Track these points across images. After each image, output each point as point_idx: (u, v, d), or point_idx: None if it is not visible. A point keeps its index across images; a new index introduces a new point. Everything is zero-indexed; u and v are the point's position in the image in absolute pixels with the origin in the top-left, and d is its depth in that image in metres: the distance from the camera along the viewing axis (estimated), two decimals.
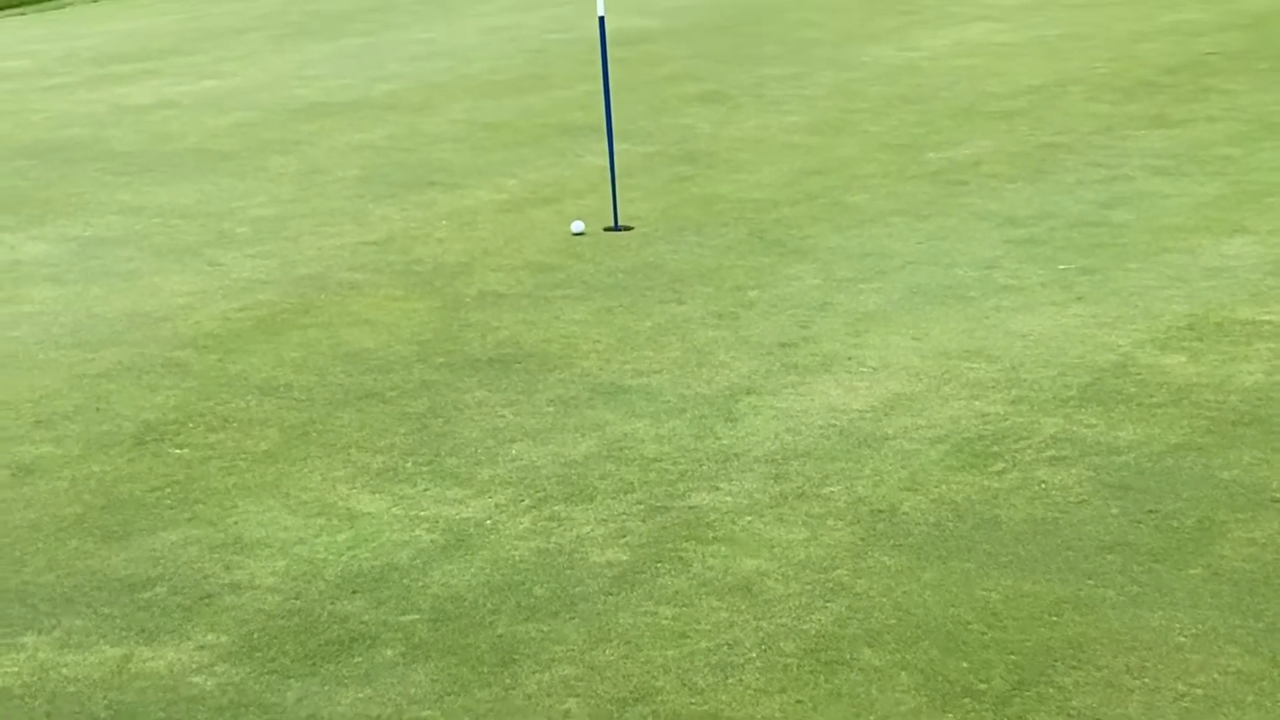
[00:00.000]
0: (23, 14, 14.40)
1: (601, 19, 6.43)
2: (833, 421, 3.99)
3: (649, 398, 4.27)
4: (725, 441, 4.01)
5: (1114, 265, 5.21)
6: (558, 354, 4.72)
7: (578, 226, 6.07)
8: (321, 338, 4.95)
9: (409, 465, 3.94)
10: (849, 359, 4.54)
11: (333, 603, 3.14)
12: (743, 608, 2.97)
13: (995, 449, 3.71)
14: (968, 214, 5.93)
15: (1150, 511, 3.37)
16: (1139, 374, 4.21)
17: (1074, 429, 3.85)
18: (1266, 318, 4.60)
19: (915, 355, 4.44)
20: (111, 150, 8.27)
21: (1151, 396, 4.07)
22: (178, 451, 4.12)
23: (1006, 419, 3.90)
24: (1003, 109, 7.79)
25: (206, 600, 3.31)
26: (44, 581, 3.46)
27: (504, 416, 4.19)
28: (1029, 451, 3.68)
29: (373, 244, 5.94)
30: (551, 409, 4.20)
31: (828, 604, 2.96)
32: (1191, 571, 3.04)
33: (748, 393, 4.33)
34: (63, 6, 16.86)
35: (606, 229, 6.00)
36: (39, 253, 6.25)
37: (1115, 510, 3.38)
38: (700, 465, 3.82)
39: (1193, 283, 4.99)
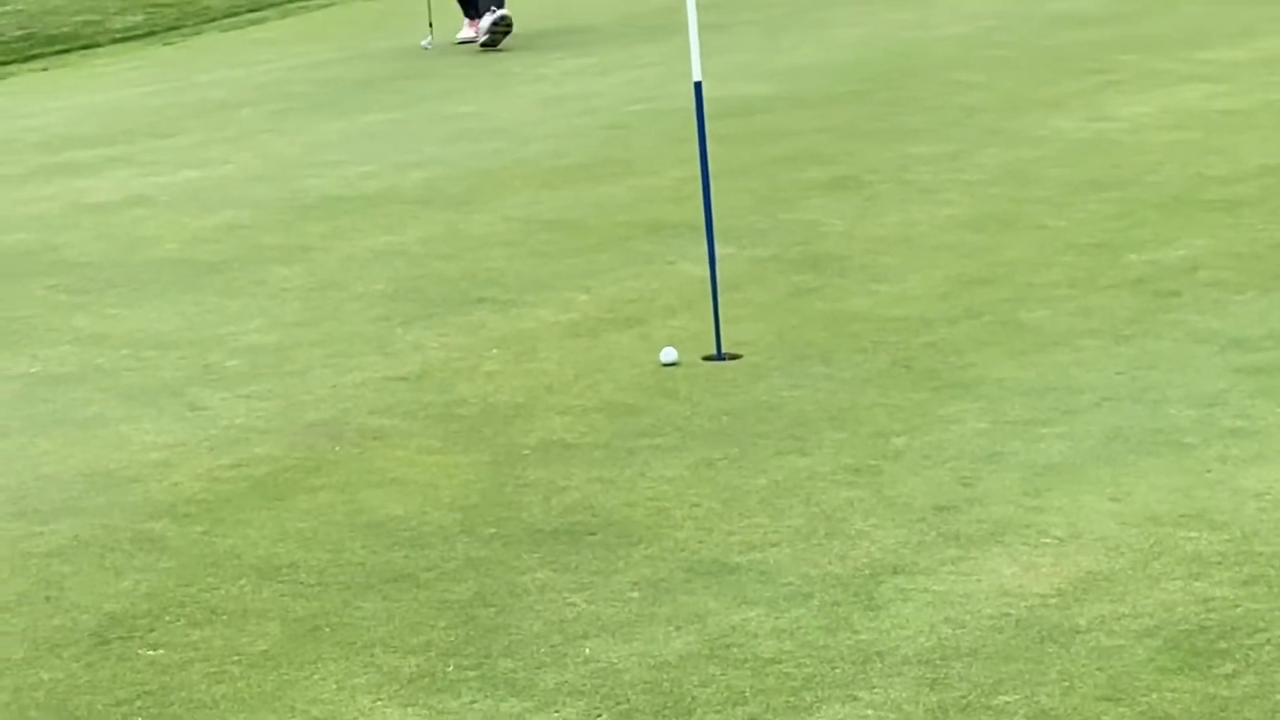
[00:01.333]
0: None
1: (698, 85, 6.46)
2: (1006, 610, 3.89)
3: (764, 579, 4.18)
4: (865, 637, 3.88)
5: None
6: (644, 522, 4.69)
7: (669, 355, 6.10)
8: (336, 502, 4.99)
9: (450, 670, 3.84)
10: (1027, 527, 4.48)
11: None
12: None
13: (1223, 645, 3.59)
14: (1182, 334, 6.04)
15: None
16: None
17: None
18: None
19: (1115, 522, 4.38)
20: (66, 261, 8.58)
21: None
22: (150, 653, 4.03)
23: (1238, 605, 3.78)
24: (1226, 197, 7.88)
25: None
26: None
27: (574, 605, 4.12)
28: (1268, 649, 3.53)
29: (402, 379, 6.09)
30: (636, 595, 4.13)
31: None
32: None
33: (894, 572, 4.24)
34: (3, 78, 16.91)
35: (706, 358, 6.10)
36: None
37: None
38: (833, 668, 3.68)
39: None
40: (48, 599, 4.40)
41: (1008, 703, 3.43)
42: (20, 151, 12.11)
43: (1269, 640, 3.62)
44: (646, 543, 4.59)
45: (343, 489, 5.12)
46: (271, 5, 19.39)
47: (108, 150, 11.49)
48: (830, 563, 4.34)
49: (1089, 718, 3.36)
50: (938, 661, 3.65)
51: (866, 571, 4.27)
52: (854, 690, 3.56)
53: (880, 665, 3.66)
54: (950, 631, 3.82)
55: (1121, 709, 3.37)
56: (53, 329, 7.20)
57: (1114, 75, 10.81)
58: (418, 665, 3.85)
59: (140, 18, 19.71)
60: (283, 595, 4.35)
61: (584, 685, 3.67)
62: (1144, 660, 3.56)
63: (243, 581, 4.44)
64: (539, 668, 3.74)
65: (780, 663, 3.74)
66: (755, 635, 3.87)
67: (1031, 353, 6.00)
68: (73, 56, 16.95)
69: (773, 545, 4.53)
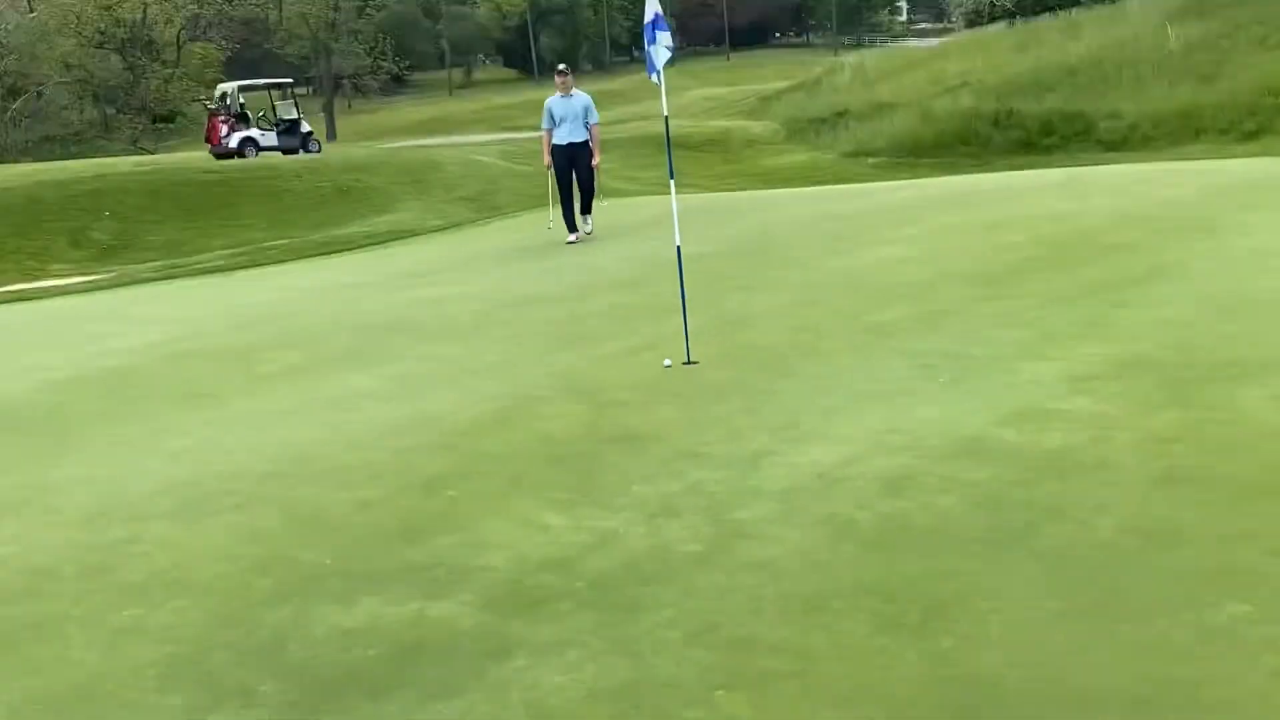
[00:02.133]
0: (352, 252, 22.59)
1: (678, 247, 10.96)
2: (817, 472, 7.46)
3: (718, 458, 7.77)
4: (754, 483, 7.18)
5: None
6: (659, 432, 8.42)
7: (667, 361, 9.89)
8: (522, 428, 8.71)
9: (575, 498, 7.28)
10: (824, 436, 7.93)
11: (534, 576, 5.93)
12: None
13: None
14: (889, 350, 9.99)
15: None
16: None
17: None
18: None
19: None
20: (411, 321, 13.62)
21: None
22: (449, 493, 7.26)
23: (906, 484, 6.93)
24: (910, 282, 12.54)
25: (466, 574, 6.12)
26: (374, 569, 6.34)
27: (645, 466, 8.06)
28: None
29: (553, 375, 10.60)
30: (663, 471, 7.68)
31: None
32: None
33: (770, 454, 7.57)
34: (384, 244, 24.23)
35: (684, 362, 9.94)
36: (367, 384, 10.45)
37: None
38: (745, 498, 6.96)
39: (1017, 388, 8.42)
40: (403, 469, 8.17)
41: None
42: (392, 276, 18.81)
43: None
44: (666, 442, 7.97)
45: (529, 421, 8.70)
46: (445, 229, 26.36)
47: (427, 276, 18.06)
48: (739, 448, 7.71)
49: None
50: (792, 493, 6.76)
51: (753, 453, 7.62)
52: (741, 502, 6.91)
53: (757, 494, 6.81)
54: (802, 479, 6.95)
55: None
56: (401, 355, 11.76)
57: (854, 243, 15.81)
58: (561, 496, 7.20)
59: (441, 221, 26.67)
60: (505, 466, 7.90)
61: (633, 505, 6.96)
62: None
63: (488, 462, 8.08)
64: (615, 496, 7.09)
65: (714, 493, 6.92)
66: (705, 482, 7.13)
67: (822, 359, 9.93)
68: (397, 245, 24.14)
69: (720, 442, 7.86)
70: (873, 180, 25.02)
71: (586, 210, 19.25)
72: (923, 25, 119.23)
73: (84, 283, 20.92)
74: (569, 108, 18.42)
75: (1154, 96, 31.25)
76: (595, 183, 19.27)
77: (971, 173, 24.98)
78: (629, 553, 6.40)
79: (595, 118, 18.73)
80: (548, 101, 18.50)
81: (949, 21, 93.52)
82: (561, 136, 18.50)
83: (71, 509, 8.04)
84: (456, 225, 25.05)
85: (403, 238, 24.12)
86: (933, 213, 17.66)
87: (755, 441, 8.02)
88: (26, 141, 54.78)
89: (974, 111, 31.78)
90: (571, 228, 19.14)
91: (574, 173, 18.89)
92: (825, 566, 6.03)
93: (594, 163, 18.83)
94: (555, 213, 20.05)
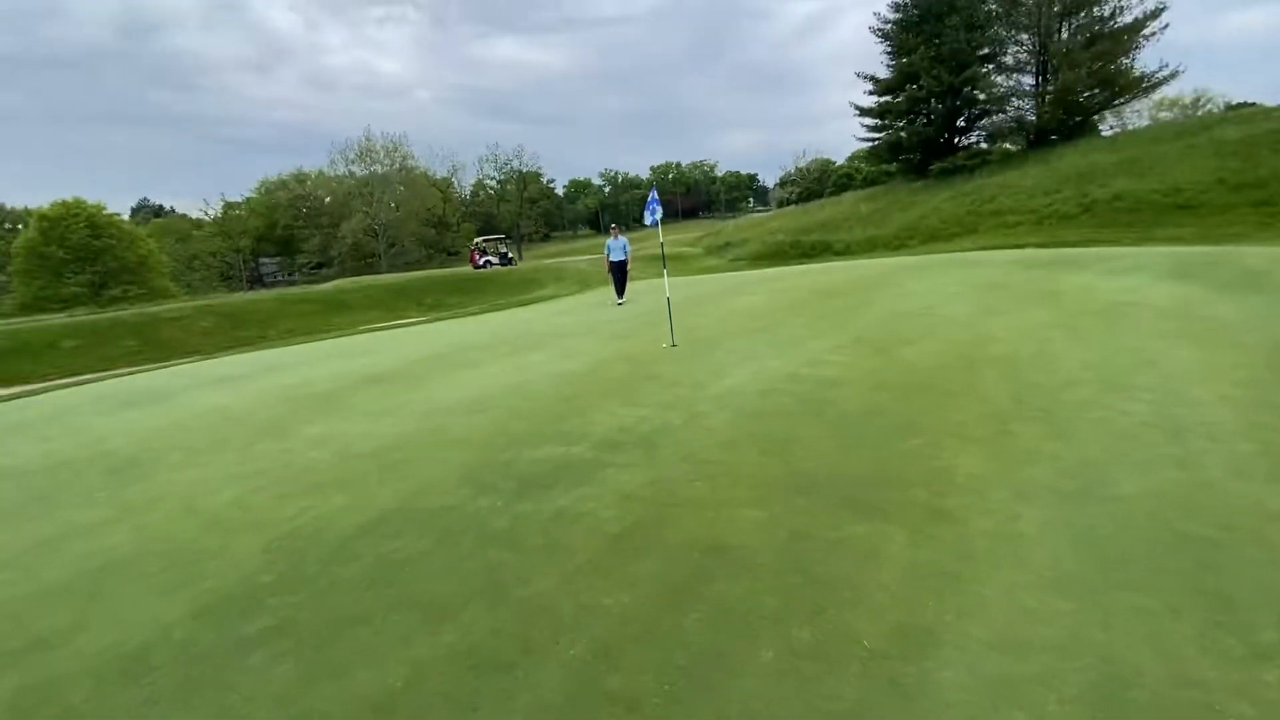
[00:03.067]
0: (533, 306, 19.85)
1: (668, 299, 11.87)
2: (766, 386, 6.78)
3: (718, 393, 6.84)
4: (712, 390, 6.72)
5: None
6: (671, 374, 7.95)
7: (663, 345, 9.23)
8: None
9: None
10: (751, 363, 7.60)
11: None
12: None
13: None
14: (746, 333, 10.42)
15: None
16: None
17: None
18: None
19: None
20: (558, 330, 12.02)
21: None
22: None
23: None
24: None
25: (584, 434, 5.81)
26: None
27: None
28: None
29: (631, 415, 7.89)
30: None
31: None
32: None
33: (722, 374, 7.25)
34: (542, 302, 20.41)
35: (668, 345, 9.20)
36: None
37: None
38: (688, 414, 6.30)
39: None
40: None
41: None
42: (546, 313, 15.99)
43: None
44: (665, 378, 7.23)
45: (597, 373, 8.46)
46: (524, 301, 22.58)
47: (562, 314, 15.53)
48: (696, 379, 7.07)
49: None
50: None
51: (701, 381, 6.93)
52: (704, 405, 6.35)
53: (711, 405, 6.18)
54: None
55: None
56: (551, 345, 10.44)
57: (737, 294, 14.78)
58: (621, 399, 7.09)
59: (566, 291, 23.83)
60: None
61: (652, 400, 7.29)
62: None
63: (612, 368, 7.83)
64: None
65: (687, 397, 6.35)
66: (688, 396, 6.54)
67: (727, 341, 9.04)
68: (549, 303, 19.84)
69: (688, 377, 7.19)
70: (743, 271, 24.90)
71: (621, 292, 17.28)
72: (759, 208, 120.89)
73: (418, 320, 20.91)
74: (617, 244, 17.10)
75: (856, 232, 31.85)
76: (627, 279, 17.69)
77: (782, 267, 25.05)
78: (652, 424, 6.21)
79: (629, 250, 17.50)
80: (607, 241, 17.30)
81: (768, 206, 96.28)
82: (614, 256, 17.19)
83: (417, 411, 7.67)
84: (573, 293, 22.97)
85: (548, 299, 21.76)
86: (766, 283, 16.89)
87: (703, 376, 7.67)
88: (397, 265, 59.03)
89: (785, 241, 32.16)
90: (619, 294, 17.41)
91: (616, 274, 17.31)
92: (735, 427, 5.87)
93: (628, 268, 17.56)
94: (610, 292, 18.69)
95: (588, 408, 6.79)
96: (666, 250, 38.89)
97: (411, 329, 17.54)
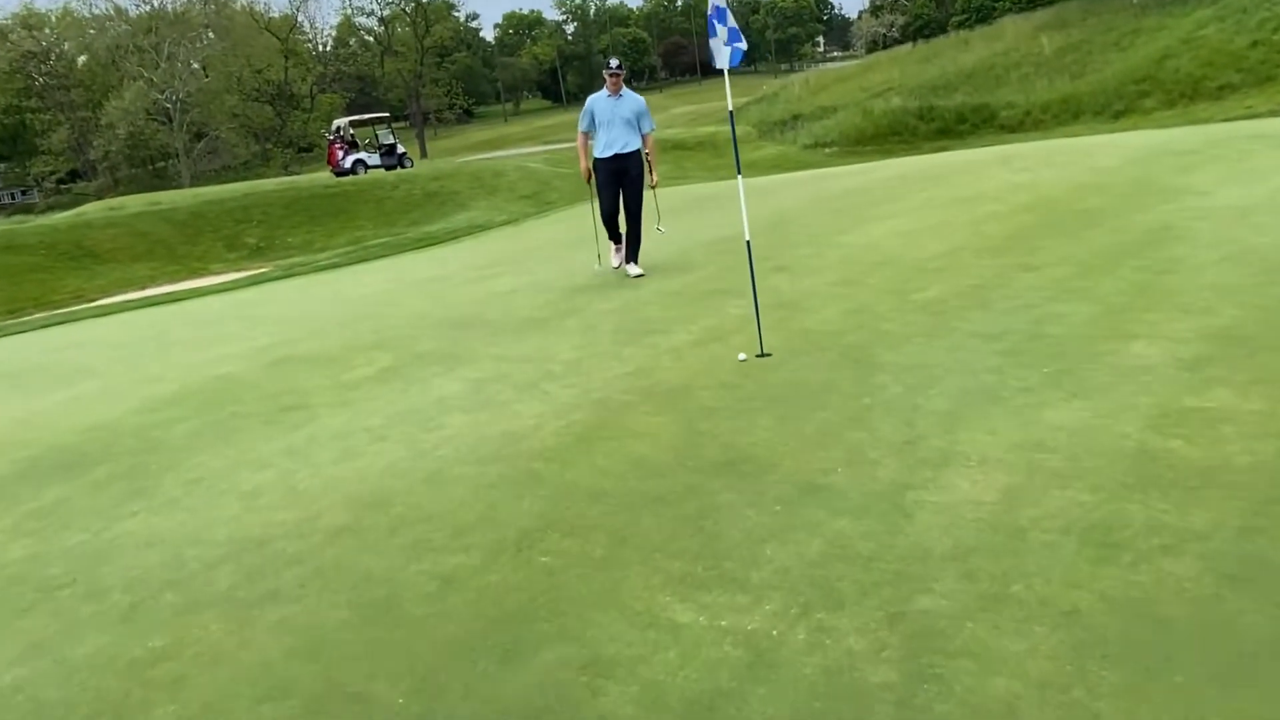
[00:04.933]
0: (442, 246, 14.42)
1: (748, 242, 5.67)
2: (978, 514, 3.03)
3: (838, 497, 3.30)
4: (911, 538, 2.95)
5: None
6: (763, 456, 3.75)
7: (742, 355, 5.22)
8: (614, 449, 4.03)
9: (699, 571, 2.93)
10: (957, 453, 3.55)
11: None
12: None
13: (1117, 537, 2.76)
14: (959, 334, 5.08)
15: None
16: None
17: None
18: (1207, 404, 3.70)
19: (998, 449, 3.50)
20: (485, 319, 7.29)
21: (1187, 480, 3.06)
22: (543, 559, 3.13)
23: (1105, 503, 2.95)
24: (931, 267, 6.75)
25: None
26: (462, 716, 2.40)
27: (749, 517, 3.25)
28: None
29: (630, 374, 5.17)
30: (780, 509, 3.28)
31: None
32: None
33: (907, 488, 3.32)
34: (453, 240, 15.70)
35: (758, 355, 5.21)
36: (453, 389, 5.39)
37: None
38: (903, 560, 2.81)
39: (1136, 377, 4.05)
40: (489, 519, 3.48)
41: (1017, 591, 2.55)
42: (461, 269, 10.71)
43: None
44: (771, 471, 3.61)
45: (617, 439, 4.15)
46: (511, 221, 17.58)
47: (495, 269, 10.18)
48: (869, 483, 3.37)
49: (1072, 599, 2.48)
50: (962, 556, 2.77)
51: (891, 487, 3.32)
52: (917, 575, 2.72)
53: (928, 560, 2.79)
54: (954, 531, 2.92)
55: (1081, 592, 2.51)
56: (479, 355, 6.12)
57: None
58: (681, 568, 2.93)
59: (505, 217, 17.29)
60: (603, 513, 3.41)
61: (775, 581, 2.79)
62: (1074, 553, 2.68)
63: (582, 503, 3.51)
64: (748, 567, 2.88)
65: (873, 560, 2.82)
66: (851, 538, 2.98)
67: (898, 346, 5.04)
68: (468, 240, 14.83)
69: (834, 471, 3.53)
70: (831, 165, 17.98)
71: (634, 248, 8.10)
72: (834, 53, 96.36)
73: (237, 280, 14.75)
74: (616, 111, 7.64)
75: (1038, 89, 22.61)
76: (641, 226, 8.04)
77: (904, 155, 17.78)
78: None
79: (651, 124, 7.94)
80: (590, 100, 7.78)
81: (853, 49, 78.13)
82: (606, 146, 7.71)
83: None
84: (516, 219, 16.80)
85: (468, 233, 15.84)
86: (909, 190, 10.93)
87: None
88: (208, 172, 44.91)
89: (901, 109, 23.56)
90: (628, 250, 8.13)
91: (620, 196, 7.91)
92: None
93: (652, 183, 7.93)
94: (602, 244, 8.44)
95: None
96: (688, 134, 27.25)
97: (196, 304, 12.19)
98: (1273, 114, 14.91)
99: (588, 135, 7.73)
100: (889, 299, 6.10)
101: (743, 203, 5.81)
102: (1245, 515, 2.81)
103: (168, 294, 14.18)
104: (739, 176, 5.84)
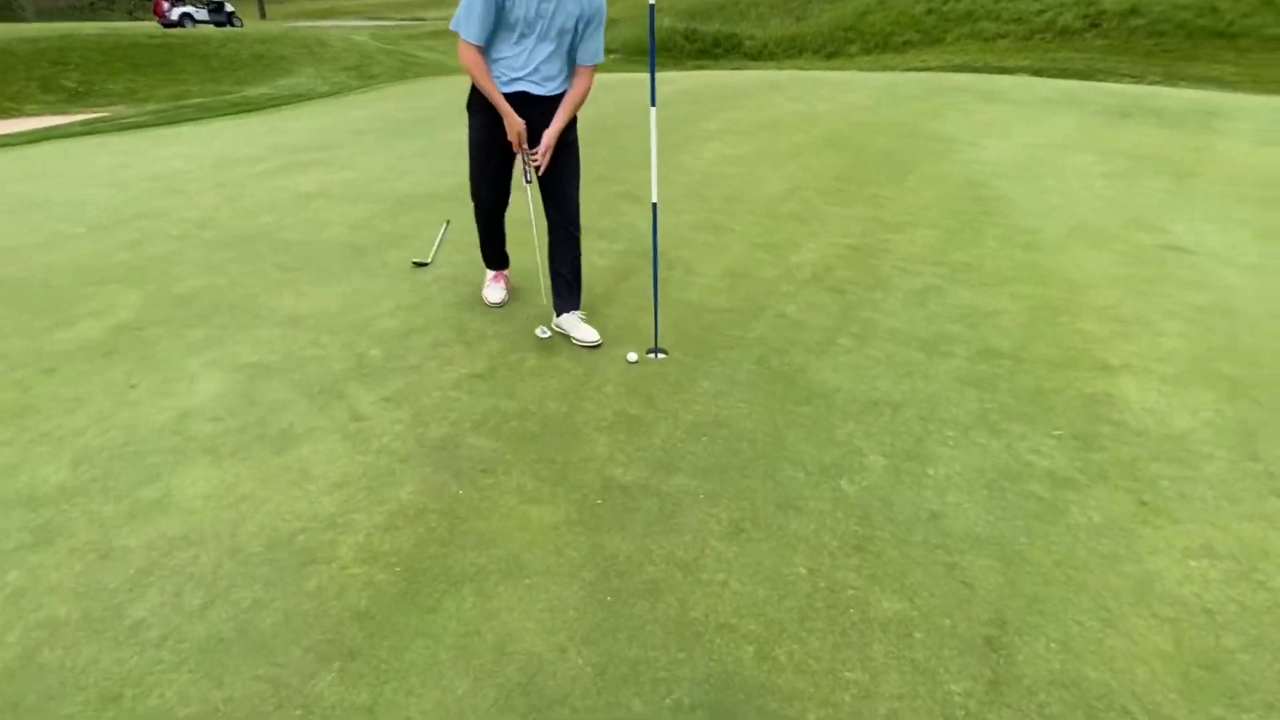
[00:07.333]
0: (262, 113, 12.49)
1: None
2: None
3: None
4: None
5: None
6: None
7: (631, 356, 3.73)
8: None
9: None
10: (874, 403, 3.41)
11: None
12: None
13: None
14: (882, 334, 4.44)
15: None
16: None
17: None
18: None
19: None
20: (281, 240, 5.41)
21: None
22: None
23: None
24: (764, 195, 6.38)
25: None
26: None
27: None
28: None
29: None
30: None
31: None
32: None
33: None
34: (274, 108, 13.50)
35: (649, 352, 3.84)
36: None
37: None
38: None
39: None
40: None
41: None
42: (272, 150, 8.51)
43: None
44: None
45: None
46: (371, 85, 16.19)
47: (309, 153, 8.20)
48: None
49: None
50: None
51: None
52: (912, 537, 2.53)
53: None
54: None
55: None
56: (260, 309, 4.25)
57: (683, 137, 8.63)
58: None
59: (328, 87, 15.84)
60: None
61: None
62: None
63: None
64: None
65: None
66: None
67: (826, 353, 3.89)
68: (288, 110, 12.87)
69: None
70: (621, 72, 17.75)
71: (573, 302, 3.84)
72: None
73: (35, 129, 12.54)
74: (538, 9, 3.28)
75: (771, 26, 25.14)
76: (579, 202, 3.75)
77: (673, 71, 18.58)
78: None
79: (599, 53, 3.55)
80: None
81: None
82: (513, 73, 3.38)
83: None
84: (341, 92, 15.22)
85: (293, 102, 14.00)
86: (705, 112, 10.45)
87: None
88: (53, 9, 42.06)
89: (672, 28, 24.54)
90: (567, 299, 3.87)
91: (531, 170, 3.60)
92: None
93: (536, 160, 3.55)
94: (494, 288, 4.36)
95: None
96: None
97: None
98: (940, 69, 17.53)
99: (482, 51, 3.49)
100: (767, 259, 5.05)
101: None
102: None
103: None
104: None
